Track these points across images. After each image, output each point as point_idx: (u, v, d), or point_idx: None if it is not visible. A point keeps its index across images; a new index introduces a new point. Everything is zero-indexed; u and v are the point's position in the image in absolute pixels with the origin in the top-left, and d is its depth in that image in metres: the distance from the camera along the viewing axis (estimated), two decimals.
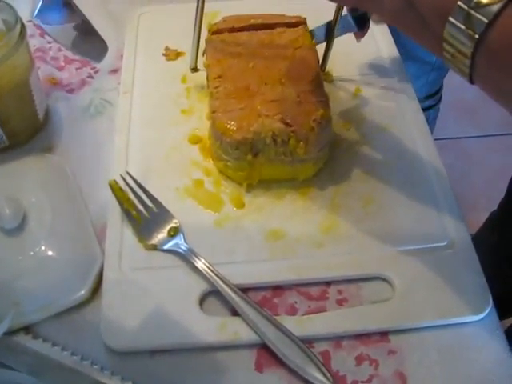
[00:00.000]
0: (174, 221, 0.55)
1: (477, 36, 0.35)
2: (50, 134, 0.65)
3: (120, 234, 0.55)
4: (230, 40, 0.62)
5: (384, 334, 0.51)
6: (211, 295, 0.53)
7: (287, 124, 0.54)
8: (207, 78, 0.62)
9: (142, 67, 0.70)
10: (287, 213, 0.58)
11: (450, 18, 0.36)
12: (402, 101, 0.68)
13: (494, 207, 1.06)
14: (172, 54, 0.71)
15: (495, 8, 0.34)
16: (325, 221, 0.57)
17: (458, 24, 0.36)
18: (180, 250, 0.54)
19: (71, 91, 0.70)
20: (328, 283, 0.54)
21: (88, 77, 0.71)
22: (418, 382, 0.49)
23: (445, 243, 0.56)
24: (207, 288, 0.52)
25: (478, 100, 1.92)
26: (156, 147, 0.62)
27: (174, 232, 0.55)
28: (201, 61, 0.66)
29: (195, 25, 0.61)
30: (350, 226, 0.57)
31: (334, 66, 0.70)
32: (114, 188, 0.56)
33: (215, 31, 0.63)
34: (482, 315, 0.52)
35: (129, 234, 0.55)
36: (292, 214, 0.57)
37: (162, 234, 0.55)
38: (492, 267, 0.60)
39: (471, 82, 0.39)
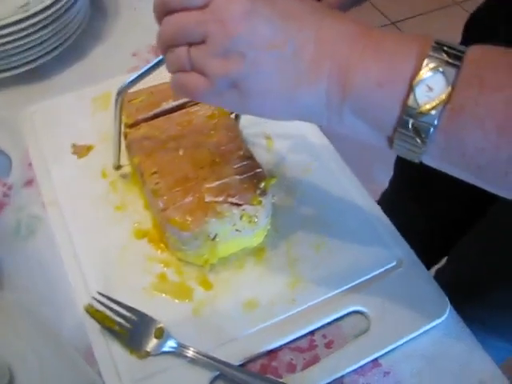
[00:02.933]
0: (157, 322, 0.57)
1: (426, 140, 0.41)
2: None
3: (109, 352, 0.56)
4: (151, 131, 0.63)
5: (374, 360, 0.58)
6: (219, 379, 0.55)
7: (237, 204, 0.58)
8: (140, 174, 0.63)
9: (57, 172, 0.69)
10: (252, 280, 0.61)
11: (400, 130, 0.41)
12: (311, 139, 0.74)
13: None
14: (82, 151, 0.71)
15: (435, 113, 0.39)
16: (288, 277, 0.61)
17: (408, 133, 0.41)
18: (173, 349, 0.55)
19: None
20: (312, 332, 0.59)
21: (4, 196, 0.69)
22: None
23: (394, 263, 0.63)
24: (212, 374, 0.55)
25: None
26: (106, 253, 0.63)
27: (160, 333, 0.57)
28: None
29: (115, 123, 0.62)
30: (311, 275, 0.62)
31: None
32: (91, 311, 0.57)
33: (132, 124, 0.64)
34: (445, 315, 0.59)
35: (117, 349, 0.56)
36: (257, 280, 0.61)
37: (150, 340, 0.56)
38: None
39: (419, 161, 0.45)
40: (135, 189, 0.67)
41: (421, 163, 0.44)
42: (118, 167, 0.68)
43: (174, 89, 0.48)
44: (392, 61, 0.41)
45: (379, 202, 0.70)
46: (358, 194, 0.69)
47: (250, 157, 0.62)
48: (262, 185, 0.59)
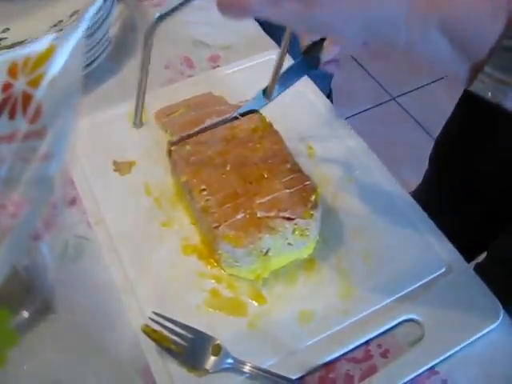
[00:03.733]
0: (213, 339, 0.57)
1: None
2: (40, 292, 0.64)
3: (167, 372, 0.56)
4: (196, 148, 0.64)
5: (432, 368, 0.58)
6: None
7: (289, 219, 0.58)
8: (188, 191, 0.63)
9: (100, 191, 0.70)
10: (305, 293, 0.61)
11: (497, 49, 0.35)
12: (351, 146, 0.74)
13: None
14: (124, 168, 0.71)
15: None
16: (340, 288, 0.61)
17: (507, 54, 0.35)
18: (230, 366, 0.56)
19: (38, 237, 0.68)
20: (367, 342, 0.59)
21: (49, 216, 0.69)
22: None
23: (444, 269, 0.63)
24: None
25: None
26: (156, 270, 0.63)
27: (217, 350, 0.57)
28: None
29: (142, 70, 0.58)
30: (362, 285, 0.62)
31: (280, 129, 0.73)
32: (149, 332, 0.57)
33: (176, 141, 0.65)
34: (499, 320, 0.59)
35: (175, 368, 0.56)
36: (310, 293, 0.61)
37: (207, 357, 0.56)
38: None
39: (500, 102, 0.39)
40: (180, 205, 0.67)
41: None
42: (140, 124, 0.64)
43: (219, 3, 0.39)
44: None
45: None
46: (402, 200, 0.69)
47: (298, 170, 0.62)
48: (313, 198, 0.59)
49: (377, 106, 2.13)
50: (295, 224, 0.58)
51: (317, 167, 0.71)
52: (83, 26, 0.44)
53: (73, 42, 0.42)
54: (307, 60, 0.64)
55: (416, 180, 1.17)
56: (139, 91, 0.61)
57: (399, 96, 2.16)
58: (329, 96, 1.56)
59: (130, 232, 0.66)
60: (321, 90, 0.85)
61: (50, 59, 0.42)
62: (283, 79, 0.64)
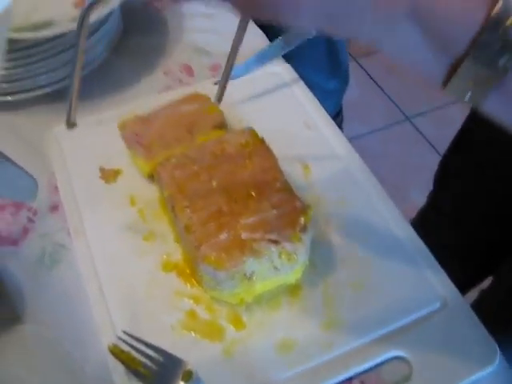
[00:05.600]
0: (185, 364, 0.54)
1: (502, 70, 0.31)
2: (10, 300, 0.61)
3: None
4: (182, 161, 0.60)
5: None
6: None
7: (275, 241, 0.54)
8: (171, 207, 0.60)
9: (83, 198, 0.67)
10: (288, 320, 0.58)
11: (476, 44, 0.31)
12: (350, 166, 0.70)
13: None
14: (109, 176, 0.68)
15: None
16: (325, 317, 0.58)
17: (486, 50, 0.31)
18: None
19: (15, 243, 0.65)
20: (350, 378, 0.55)
21: (29, 221, 0.67)
22: None
23: (438, 305, 0.59)
24: None
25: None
26: (132, 286, 0.60)
27: (188, 376, 0.53)
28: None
29: (77, 60, 0.54)
30: (348, 316, 0.58)
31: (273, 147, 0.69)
32: (116, 352, 0.53)
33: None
34: (494, 364, 0.55)
35: None
36: (292, 320, 0.58)
37: (177, 383, 0.53)
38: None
39: (477, 105, 0.35)
40: (165, 218, 0.64)
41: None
42: (72, 125, 0.60)
43: None
44: None
45: (415, 221, 0.66)
46: (399, 226, 0.65)
47: (288, 189, 0.58)
48: (302, 220, 0.55)
49: (390, 125, 2.09)
50: (282, 247, 0.54)
51: (311, 188, 0.68)
52: None
53: None
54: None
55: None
56: (73, 86, 0.56)
57: (414, 117, 2.12)
58: (339, 113, 1.52)
59: (109, 243, 0.63)
60: (330, 106, 0.82)
61: None
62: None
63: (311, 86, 1.19)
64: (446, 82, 0.34)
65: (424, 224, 0.97)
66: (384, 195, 0.67)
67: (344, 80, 1.45)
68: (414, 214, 1.14)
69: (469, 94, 0.34)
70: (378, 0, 0.33)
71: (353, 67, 1.79)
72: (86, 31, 0.51)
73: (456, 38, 0.32)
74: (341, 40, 1.28)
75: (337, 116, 1.49)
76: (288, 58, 0.81)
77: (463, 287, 0.64)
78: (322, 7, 0.34)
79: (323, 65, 1.35)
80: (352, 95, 1.65)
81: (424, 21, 0.33)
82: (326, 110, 0.75)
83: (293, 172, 0.68)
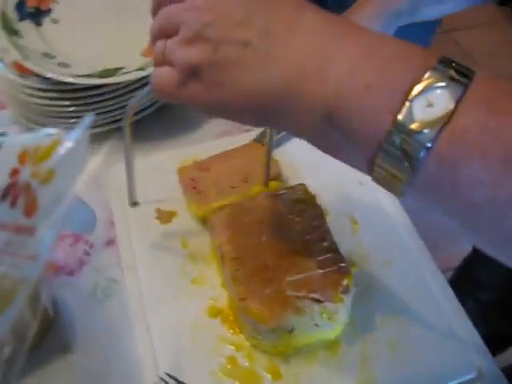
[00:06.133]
0: None
1: (414, 165, 0.34)
2: (62, 329, 0.64)
3: None
4: (235, 212, 0.63)
5: None
6: None
7: (318, 301, 0.56)
8: (221, 256, 0.62)
9: (138, 236, 0.70)
10: (324, 375, 0.59)
11: (384, 148, 0.35)
12: (396, 223, 0.72)
13: None
14: (165, 217, 0.72)
15: (431, 134, 0.33)
16: (360, 375, 0.59)
17: (392, 153, 0.35)
18: None
19: (71, 273, 0.69)
20: None
21: (85, 254, 0.70)
22: None
23: (473, 375, 0.60)
24: None
25: None
26: (178, 328, 0.62)
27: None
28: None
29: (126, 152, 0.63)
30: (384, 377, 0.59)
31: (323, 199, 0.71)
32: None
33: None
34: None
35: None
36: (329, 375, 0.59)
37: None
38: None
39: (401, 196, 0.38)
40: (214, 263, 0.67)
41: None
42: (134, 203, 0.70)
43: (151, 86, 0.46)
44: (387, 62, 0.36)
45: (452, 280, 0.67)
46: (441, 291, 0.66)
47: (334, 249, 0.60)
48: (345, 282, 0.57)
49: None
50: (324, 307, 0.56)
51: (358, 244, 0.69)
52: (87, 122, 0.45)
53: (77, 138, 0.44)
54: None
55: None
56: (128, 172, 0.66)
57: None
58: None
59: (159, 283, 0.66)
60: None
61: (54, 154, 0.43)
62: None
63: None
64: (371, 173, 0.38)
65: (462, 284, 0.97)
66: (429, 259, 0.69)
67: None
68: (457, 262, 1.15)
69: (389, 186, 0.37)
70: (294, 106, 0.39)
71: None
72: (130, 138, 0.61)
73: (366, 139, 0.36)
74: None
75: None
76: None
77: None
78: (250, 112, 0.42)
79: None
80: None
81: (339, 121, 0.37)
82: None
83: (342, 227, 0.70)
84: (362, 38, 0.38)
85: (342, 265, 0.59)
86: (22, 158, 0.45)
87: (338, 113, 0.37)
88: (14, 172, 0.45)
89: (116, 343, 0.63)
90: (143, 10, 0.86)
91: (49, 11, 0.87)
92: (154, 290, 0.65)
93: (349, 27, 0.39)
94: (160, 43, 0.45)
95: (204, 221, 0.69)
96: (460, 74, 0.34)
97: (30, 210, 0.43)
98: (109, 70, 0.77)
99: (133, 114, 0.60)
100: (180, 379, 0.57)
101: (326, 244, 0.60)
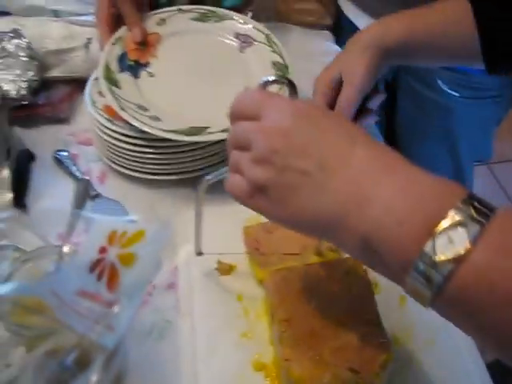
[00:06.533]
0: None
1: (434, 290, 0.41)
2: (119, 360, 0.69)
3: None
4: (290, 275, 0.68)
5: None
6: None
7: (355, 371, 0.59)
8: (269, 311, 0.66)
9: (198, 284, 0.75)
10: None
11: (411, 272, 0.42)
12: None
13: None
14: (224, 270, 0.76)
15: (450, 266, 0.40)
16: None
17: (418, 277, 0.42)
18: None
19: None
20: None
21: (147, 294, 0.76)
22: None
23: None
24: None
25: None
26: (223, 377, 0.66)
27: None
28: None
29: (197, 210, 0.71)
30: None
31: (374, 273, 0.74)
32: None
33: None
34: None
35: None
36: None
37: None
38: None
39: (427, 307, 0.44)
40: (265, 319, 0.71)
41: None
42: (200, 253, 0.76)
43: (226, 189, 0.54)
44: (418, 203, 0.43)
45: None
46: (479, 378, 0.68)
47: (377, 323, 0.63)
48: (384, 357, 0.60)
49: None
50: (360, 378, 0.59)
51: (404, 319, 0.72)
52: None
53: (158, 232, 0.50)
54: None
55: None
56: (197, 227, 0.73)
57: None
58: None
59: (211, 331, 0.70)
60: None
61: (138, 242, 0.49)
62: None
63: None
64: (403, 288, 0.45)
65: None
66: (471, 343, 0.70)
67: None
68: None
69: (418, 300, 0.44)
70: (338, 231, 0.47)
71: None
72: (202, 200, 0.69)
73: (395, 263, 0.44)
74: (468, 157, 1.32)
75: None
76: None
77: None
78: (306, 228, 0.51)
79: None
80: None
81: (373, 245, 0.45)
82: None
83: (390, 301, 0.72)
84: (397, 175, 0.46)
85: (383, 340, 0.62)
86: (111, 238, 0.51)
87: (373, 241, 0.45)
88: (102, 250, 0.53)
89: (165, 378, 0.68)
90: (232, 74, 0.94)
91: (147, 65, 0.95)
92: (206, 338, 0.70)
93: (390, 163, 0.47)
94: (235, 154, 0.53)
95: (261, 280, 0.73)
96: (479, 214, 0.41)
97: (112, 286, 0.49)
98: (195, 128, 0.83)
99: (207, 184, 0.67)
100: None
101: (370, 317, 0.64)
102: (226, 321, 0.72)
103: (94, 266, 0.52)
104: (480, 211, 0.41)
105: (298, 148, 0.48)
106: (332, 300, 0.65)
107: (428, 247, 0.41)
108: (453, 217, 0.40)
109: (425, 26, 0.79)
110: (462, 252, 0.40)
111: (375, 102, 0.83)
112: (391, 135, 1.34)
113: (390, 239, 0.44)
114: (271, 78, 0.63)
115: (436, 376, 0.67)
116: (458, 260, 0.40)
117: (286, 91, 0.66)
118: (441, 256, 0.40)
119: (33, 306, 0.53)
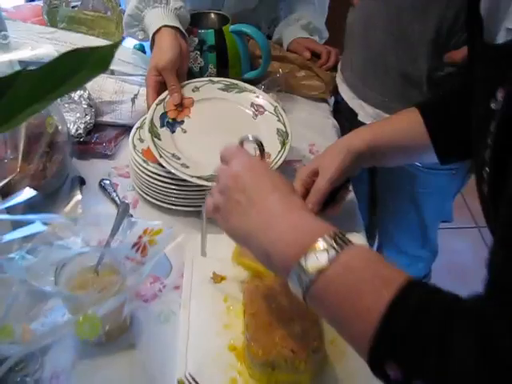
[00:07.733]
0: None
1: (305, 289, 0.63)
2: (133, 335, 0.96)
3: None
4: (266, 292, 0.94)
5: None
6: None
7: (294, 352, 0.85)
8: (244, 310, 0.94)
9: (196, 287, 1.02)
10: None
11: (291, 275, 0.65)
12: None
13: None
14: (217, 279, 1.03)
15: (314, 275, 0.62)
16: None
17: (295, 279, 0.64)
18: None
19: (146, 301, 1.02)
20: None
21: (158, 291, 1.03)
22: None
23: None
24: None
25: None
26: (205, 353, 0.92)
27: None
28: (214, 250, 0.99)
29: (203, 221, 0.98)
30: None
31: None
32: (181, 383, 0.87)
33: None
34: None
35: None
36: None
37: None
38: None
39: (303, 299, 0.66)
40: (242, 317, 0.97)
41: None
42: (204, 254, 1.04)
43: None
44: (301, 233, 0.67)
45: None
46: None
47: (316, 321, 0.89)
48: (315, 345, 0.86)
49: None
50: (296, 357, 0.84)
51: None
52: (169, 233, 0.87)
53: (168, 233, 0.81)
54: None
55: None
56: (203, 234, 1.00)
57: None
58: (427, 275, 1.77)
59: (201, 321, 0.97)
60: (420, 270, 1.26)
61: (158, 235, 0.80)
62: None
63: (401, 251, 1.49)
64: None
65: None
66: None
67: (433, 253, 1.69)
68: None
69: (296, 295, 0.67)
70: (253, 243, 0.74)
71: None
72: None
73: (284, 265, 0.68)
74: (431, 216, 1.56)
75: (424, 277, 1.72)
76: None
77: None
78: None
79: (415, 235, 1.62)
80: None
81: (269, 259, 0.71)
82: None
83: None
84: (293, 215, 0.71)
85: (317, 333, 0.88)
86: (144, 231, 0.83)
87: (270, 254, 0.70)
88: (140, 237, 0.86)
89: (165, 350, 0.95)
90: (245, 131, 1.21)
91: (181, 122, 1.25)
92: (196, 326, 0.96)
93: (291, 206, 0.73)
94: (214, 185, 0.81)
95: (237, 263, 1.02)
96: (338, 244, 0.63)
97: (143, 255, 0.79)
98: (214, 176, 1.11)
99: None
100: (197, 380, 0.88)
101: (312, 317, 0.89)
102: (213, 315, 0.98)
103: (135, 244, 0.83)
104: (338, 243, 0.63)
105: (239, 187, 0.74)
106: (286, 304, 0.92)
107: (302, 261, 0.63)
108: (321, 244, 0.63)
109: (387, 132, 1.03)
110: (322, 267, 0.62)
111: (342, 195, 1.08)
112: (374, 192, 1.61)
113: (280, 254, 0.68)
114: (250, 138, 0.87)
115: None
116: (319, 271, 0.62)
117: (256, 149, 0.89)
118: (309, 268, 0.63)
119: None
